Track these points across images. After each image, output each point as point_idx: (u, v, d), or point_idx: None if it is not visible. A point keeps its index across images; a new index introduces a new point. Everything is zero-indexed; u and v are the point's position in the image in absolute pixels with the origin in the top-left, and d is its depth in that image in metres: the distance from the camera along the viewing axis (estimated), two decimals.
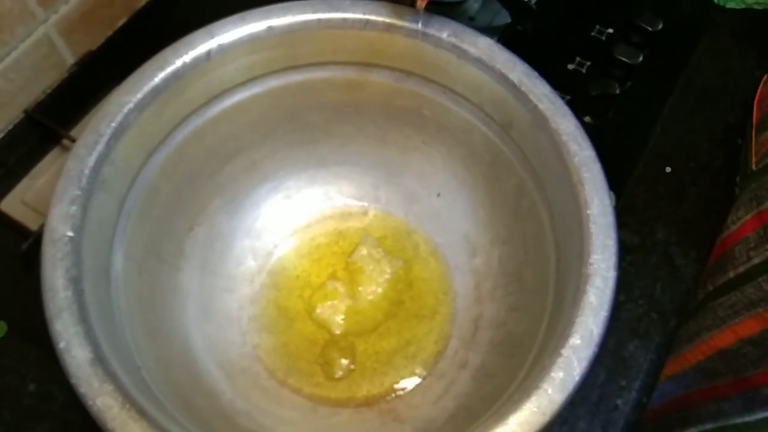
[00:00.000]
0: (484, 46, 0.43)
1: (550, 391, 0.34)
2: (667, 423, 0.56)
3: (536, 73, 0.42)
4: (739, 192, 0.50)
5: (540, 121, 0.41)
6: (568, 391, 0.34)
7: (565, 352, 0.34)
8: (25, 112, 0.54)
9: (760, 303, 0.44)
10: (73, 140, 0.53)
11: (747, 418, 0.48)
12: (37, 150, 0.55)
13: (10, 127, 0.54)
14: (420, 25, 0.43)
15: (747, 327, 0.45)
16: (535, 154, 0.43)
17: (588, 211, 0.38)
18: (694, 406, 0.52)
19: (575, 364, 0.34)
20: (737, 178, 0.52)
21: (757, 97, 0.56)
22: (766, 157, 0.48)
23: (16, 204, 0.52)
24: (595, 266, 0.36)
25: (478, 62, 0.43)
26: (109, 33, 0.59)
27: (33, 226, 0.51)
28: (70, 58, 0.57)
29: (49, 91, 0.55)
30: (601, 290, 0.36)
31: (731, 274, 0.46)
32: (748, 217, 0.46)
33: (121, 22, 0.59)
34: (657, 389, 0.54)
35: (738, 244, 0.46)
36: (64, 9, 0.54)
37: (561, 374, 0.34)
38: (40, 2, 0.51)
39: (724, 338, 0.47)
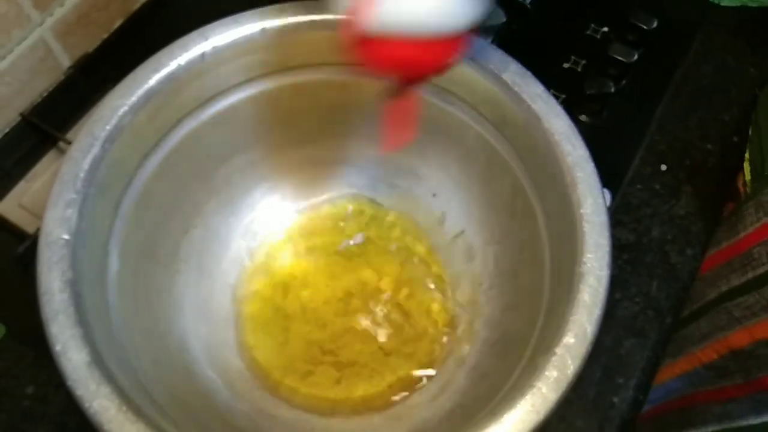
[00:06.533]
0: (477, 47, 0.43)
1: (544, 390, 0.34)
2: (666, 422, 0.56)
3: (530, 73, 0.42)
4: (751, 194, 0.49)
5: (533, 120, 0.41)
6: (562, 389, 0.34)
7: (559, 350, 0.34)
8: (22, 115, 0.54)
9: None
10: (70, 143, 0.53)
11: (753, 421, 0.48)
12: (33, 153, 0.55)
13: (7, 130, 0.54)
14: None
15: (764, 328, 0.46)
16: (528, 153, 0.43)
17: (581, 211, 0.38)
18: (698, 406, 0.52)
19: (569, 362, 0.34)
20: (746, 179, 0.51)
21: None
22: None
23: (13, 207, 0.53)
24: (589, 265, 0.36)
25: (472, 62, 0.43)
26: (105, 35, 0.59)
27: (30, 228, 0.51)
28: (66, 61, 0.57)
29: (45, 94, 0.55)
30: (595, 289, 0.36)
31: (749, 276, 0.46)
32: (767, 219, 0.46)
33: (117, 24, 0.60)
34: (663, 386, 0.55)
35: (757, 246, 0.46)
36: (59, 12, 0.54)
37: (555, 373, 0.34)
38: (35, 5, 0.52)
39: (739, 338, 0.47)
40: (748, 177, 0.51)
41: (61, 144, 0.55)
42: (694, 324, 0.51)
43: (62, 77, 0.57)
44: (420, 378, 0.47)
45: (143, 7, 0.61)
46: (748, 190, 0.50)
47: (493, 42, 0.57)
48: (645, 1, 0.61)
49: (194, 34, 0.42)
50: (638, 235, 0.53)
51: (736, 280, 0.47)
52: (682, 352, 0.52)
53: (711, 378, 0.50)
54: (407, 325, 0.50)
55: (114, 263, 0.40)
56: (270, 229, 0.52)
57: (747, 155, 0.52)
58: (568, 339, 0.35)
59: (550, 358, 0.34)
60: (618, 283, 0.51)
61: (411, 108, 0.37)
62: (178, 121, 0.44)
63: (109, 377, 0.34)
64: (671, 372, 0.54)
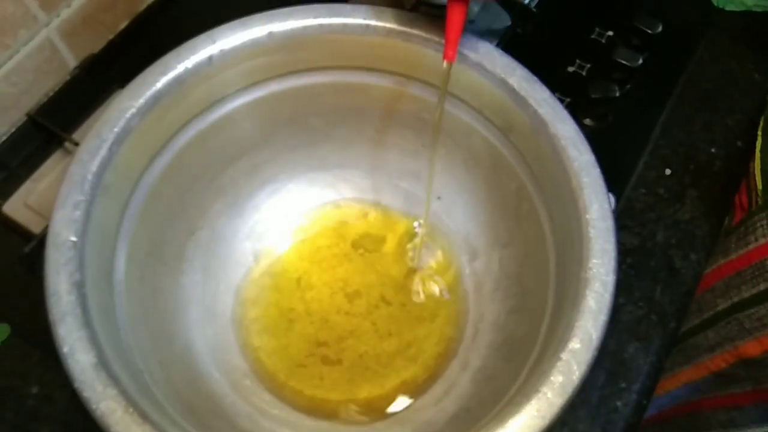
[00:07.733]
0: (483, 51, 0.43)
1: (549, 395, 0.34)
2: (671, 427, 0.56)
3: (536, 78, 0.42)
4: (763, 204, 0.49)
5: (539, 125, 0.41)
6: (568, 394, 0.34)
7: (565, 356, 0.34)
8: (28, 115, 0.54)
9: None
10: (76, 143, 0.54)
11: (758, 429, 0.48)
12: (39, 153, 0.55)
13: (13, 131, 0.54)
14: (420, 30, 0.44)
15: None
16: (534, 158, 0.43)
17: (587, 216, 0.38)
18: (704, 412, 0.52)
19: (574, 368, 0.34)
20: (758, 188, 0.51)
21: None
22: None
23: (19, 207, 0.53)
24: (594, 270, 0.36)
25: (478, 67, 0.43)
26: (111, 36, 0.59)
27: (35, 229, 0.51)
28: (72, 62, 0.57)
29: (51, 94, 0.56)
30: (600, 294, 0.36)
31: (762, 287, 0.46)
32: None
33: (123, 25, 0.60)
34: (669, 394, 0.54)
35: None
36: (66, 12, 0.54)
37: (560, 378, 0.34)
38: (42, 6, 0.52)
39: (750, 348, 0.47)
40: (759, 186, 0.50)
41: (67, 144, 0.55)
42: (703, 334, 0.50)
43: (68, 77, 0.57)
44: (424, 381, 0.47)
45: (149, 8, 0.61)
46: (759, 200, 0.50)
47: (498, 46, 0.57)
48: (650, 6, 0.61)
49: (202, 37, 0.42)
50: (642, 240, 0.53)
51: (747, 292, 0.47)
52: (689, 361, 0.52)
53: (719, 385, 0.50)
54: (411, 327, 0.50)
55: (121, 265, 0.40)
56: (275, 230, 0.52)
57: (758, 164, 0.51)
58: (574, 344, 0.35)
59: (555, 363, 0.34)
60: (622, 287, 0.51)
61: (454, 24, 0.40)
62: (185, 124, 0.44)
63: (115, 379, 0.34)
64: (678, 381, 0.54)
